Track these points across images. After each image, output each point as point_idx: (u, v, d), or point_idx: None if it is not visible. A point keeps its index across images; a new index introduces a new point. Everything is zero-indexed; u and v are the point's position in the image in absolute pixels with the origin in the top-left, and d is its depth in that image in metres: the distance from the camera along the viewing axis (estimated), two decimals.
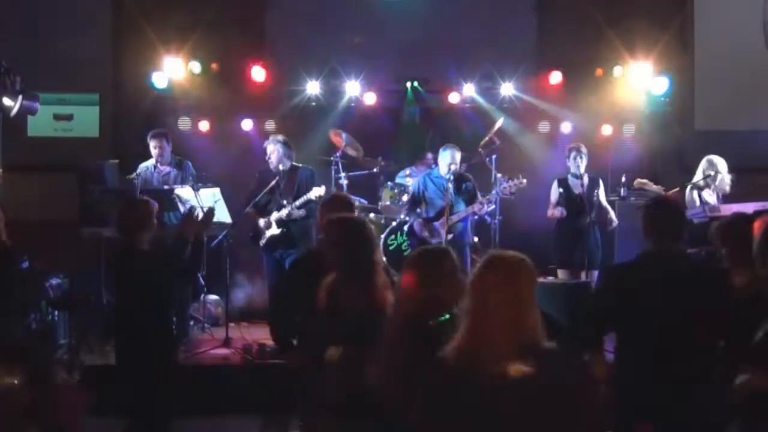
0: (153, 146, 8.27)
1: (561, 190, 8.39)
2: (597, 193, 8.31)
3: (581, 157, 8.32)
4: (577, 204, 8.31)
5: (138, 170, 8.20)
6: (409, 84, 9.99)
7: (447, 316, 3.51)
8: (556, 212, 8.34)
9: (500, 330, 2.81)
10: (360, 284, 4.00)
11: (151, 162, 8.32)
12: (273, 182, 7.96)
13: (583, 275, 8.10)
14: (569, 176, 8.42)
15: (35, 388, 2.54)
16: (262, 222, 7.96)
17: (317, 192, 7.72)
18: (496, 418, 2.79)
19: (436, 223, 8.17)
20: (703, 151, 8.21)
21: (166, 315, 5.38)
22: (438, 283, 3.50)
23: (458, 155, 8.17)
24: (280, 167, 7.97)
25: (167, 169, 8.31)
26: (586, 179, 8.32)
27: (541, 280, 7.74)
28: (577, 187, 8.37)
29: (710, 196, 7.90)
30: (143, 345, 5.15)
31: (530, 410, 2.76)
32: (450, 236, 8.01)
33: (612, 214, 8.48)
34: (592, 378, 2.97)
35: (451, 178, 8.07)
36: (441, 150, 8.29)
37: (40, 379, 2.58)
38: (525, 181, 8.15)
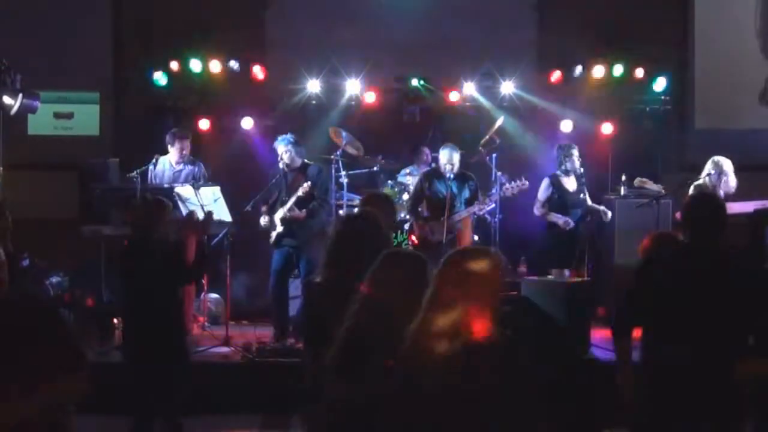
0: (178, 147, 8.32)
1: (553, 187, 8.38)
2: (583, 189, 8.33)
3: (575, 155, 8.32)
4: (570, 201, 8.33)
5: (151, 164, 8.20)
6: (414, 81, 9.97)
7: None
8: (560, 221, 8.31)
9: (443, 325, 2.93)
10: None
11: (167, 158, 8.37)
12: (274, 180, 7.96)
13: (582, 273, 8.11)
14: (560, 174, 8.42)
15: None
16: (262, 221, 7.97)
17: (304, 188, 7.71)
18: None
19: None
20: (703, 149, 8.24)
21: (179, 310, 5.48)
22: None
23: (456, 155, 8.13)
24: (286, 167, 7.97)
25: (180, 167, 8.35)
26: (575, 177, 8.36)
27: (540, 278, 7.76)
28: (569, 185, 8.39)
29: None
30: (157, 340, 5.19)
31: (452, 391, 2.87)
32: (450, 236, 7.99)
33: (602, 208, 8.49)
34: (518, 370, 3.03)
35: (451, 176, 8.06)
36: (441, 149, 8.30)
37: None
38: (527, 183, 8.15)
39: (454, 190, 8.13)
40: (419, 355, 2.94)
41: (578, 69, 9.88)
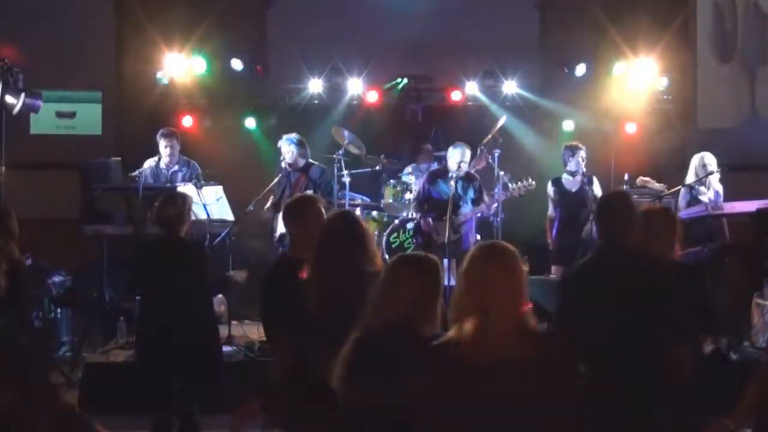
0: (164, 145, 8.22)
1: (555, 188, 8.36)
2: (591, 189, 8.31)
3: (579, 155, 8.28)
4: (574, 202, 8.32)
5: (143, 167, 8.18)
6: (402, 80, 9.98)
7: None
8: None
9: (504, 318, 2.88)
10: None
11: (154, 160, 8.30)
12: (276, 179, 7.96)
13: None
14: (564, 175, 8.40)
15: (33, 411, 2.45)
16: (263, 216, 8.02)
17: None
18: (496, 402, 2.85)
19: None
20: (705, 149, 8.20)
21: (206, 303, 5.50)
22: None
23: (468, 153, 8.10)
24: (289, 166, 7.96)
25: (175, 168, 8.30)
26: (579, 177, 8.31)
27: (543, 277, 7.75)
28: (572, 186, 8.36)
29: (705, 195, 7.90)
30: (181, 336, 5.18)
31: (529, 392, 2.83)
32: (456, 236, 7.97)
33: None
34: (572, 360, 2.97)
35: (454, 176, 8.04)
36: (451, 147, 8.22)
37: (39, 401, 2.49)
38: (534, 183, 8.15)
39: (459, 190, 8.12)
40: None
41: (580, 68, 9.88)
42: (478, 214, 8.24)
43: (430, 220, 8.17)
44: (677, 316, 3.90)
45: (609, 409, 3.70)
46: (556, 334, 3.02)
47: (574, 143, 8.47)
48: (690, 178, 7.99)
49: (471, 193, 8.17)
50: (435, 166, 9.10)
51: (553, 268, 8.21)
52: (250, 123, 9.97)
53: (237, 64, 9.81)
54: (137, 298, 7.19)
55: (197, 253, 5.52)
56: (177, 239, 5.38)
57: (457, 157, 8.06)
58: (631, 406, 3.80)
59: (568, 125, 10.00)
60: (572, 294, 4.11)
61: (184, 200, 5.50)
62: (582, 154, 8.28)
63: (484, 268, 2.94)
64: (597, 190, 8.35)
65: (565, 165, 8.34)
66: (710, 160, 7.97)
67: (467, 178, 8.19)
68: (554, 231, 8.38)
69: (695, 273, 4.62)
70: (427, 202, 8.30)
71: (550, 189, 8.36)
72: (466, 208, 8.12)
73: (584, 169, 8.28)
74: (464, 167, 8.08)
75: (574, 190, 8.33)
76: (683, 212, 7.80)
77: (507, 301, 2.90)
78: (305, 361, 3.85)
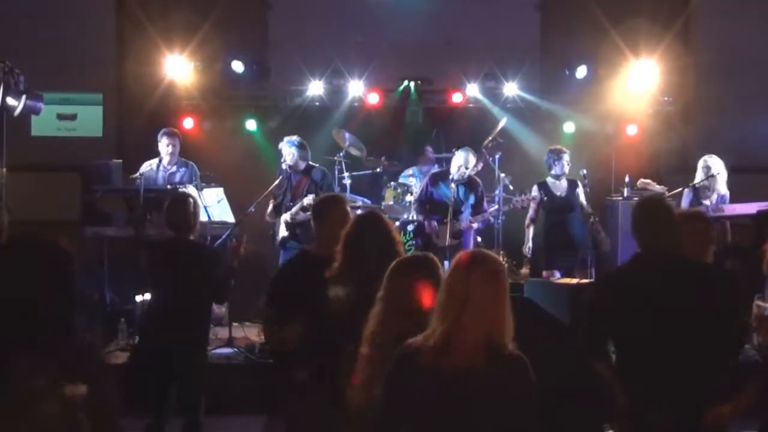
0: (165, 144, 8.22)
1: (542, 192, 8.32)
2: (577, 193, 8.30)
3: (564, 159, 8.26)
4: (561, 205, 8.30)
5: (141, 169, 8.18)
6: (411, 84, 9.99)
7: None
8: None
9: (476, 328, 2.87)
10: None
11: (155, 161, 8.30)
12: (277, 182, 7.95)
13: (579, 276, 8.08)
14: (549, 178, 8.38)
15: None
16: (268, 218, 8.02)
17: (308, 200, 7.67)
18: (452, 413, 2.87)
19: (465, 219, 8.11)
20: (706, 150, 8.21)
21: (208, 307, 5.53)
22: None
23: (472, 159, 8.07)
24: (290, 168, 7.96)
25: (173, 168, 8.30)
26: (564, 180, 8.30)
27: (543, 279, 7.74)
28: (558, 190, 8.34)
29: (708, 197, 7.90)
30: (186, 338, 5.19)
31: (484, 408, 2.86)
32: (456, 241, 7.95)
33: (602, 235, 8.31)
34: (534, 386, 2.96)
35: (454, 178, 8.03)
36: (457, 151, 8.20)
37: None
38: (538, 196, 8.16)
39: (460, 195, 8.11)
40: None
41: (581, 70, 9.88)
42: (478, 225, 8.20)
43: (435, 223, 8.16)
44: (727, 322, 3.85)
45: (645, 410, 3.70)
46: (522, 356, 2.95)
47: (558, 147, 8.46)
48: (696, 180, 8.00)
49: (471, 199, 8.16)
50: (436, 168, 9.10)
51: (544, 273, 8.18)
52: (251, 125, 9.97)
53: (238, 66, 9.81)
54: (138, 299, 7.24)
55: (206, 257, 5.49)
56: (186, 241, 5.38)
57: (459, 161, 8.05)
58: (670, 408, 3.73)
59: (568, 127, 10.00)
60: (608, 300, 4.00)
61: (195, 202, 5.48)
62: (567, 157, 8.28)
63: (467, 277, 2.92)
64: (582, 195, 8.35)
65: (550, 168, 8.34)
66: (713, 162, 7.96)
67: (469, 184, 8.17)
68: (540, 235, 8.38)
69: (734, 279, 4.57)
70: (429, 203, 8.29)
71: (536, 192, 8.31)
72: (466, 213, 8.11)
73: (562, 172, 8.27)
74: (465, 171, 8.06)
75: (560, 194, 8.33)
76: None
77: (483, 312, 2.88)
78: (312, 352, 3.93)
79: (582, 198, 8.31)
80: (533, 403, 2.93)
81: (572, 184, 8.34)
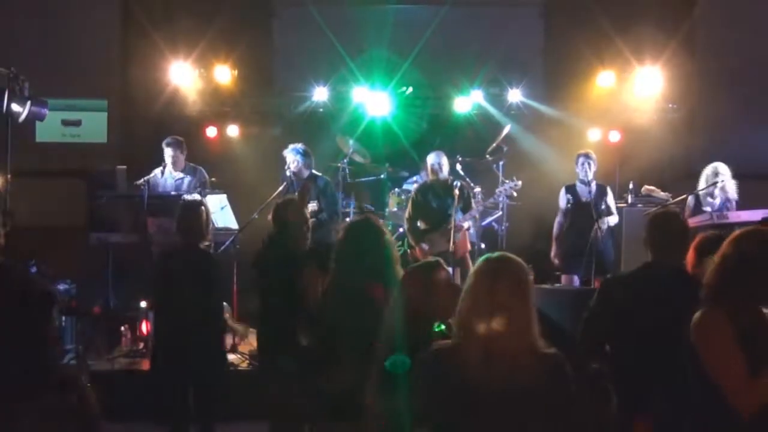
0: (168, 154, 8.23)
1: (569, 196, 8.32)
2: (605, 200, 8.25)
3: (590, 164, 8.21)
4: (585, 211, 8.26)
5: (147, 176, 8.17)
6: (416, 90, 10.00)
7: (442, 326, 3.47)
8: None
9: (516, 342, 2.80)
10: None
11: (161, 168, 8.31)
12: (280, 189, 7.95)
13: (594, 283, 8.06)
14: (577, 183, 8.36)
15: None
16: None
17: (312, 207, 7.65)
18: (495, 419, 2.80)
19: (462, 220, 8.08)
20: (711, 157, 8.19)
21: (220, 312, 5.52)
22: (429, 294, 3.45)
23: (444, 159, 8.08)
24: (293, 176, 7.95)
25: (181, 175, 8.30)
26: (594, 186, 8.26)
27: (547, 286, 7.73)
28: (584, 194, 8.30)
29: (711, 203, 7.88)
30: (202, 346, 5.21)
31: (527, 412, 2.79)
32: (452, 246, 7.91)
33: (612, 219, 8.33)
34: (573, 380, 2.90)
35: (417, 179, 8.01)
36: (427, 156, 8.23)
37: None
38: (519, 183, 8.21)
39: (443, 198, 8.06)
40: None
41: (585, 76, 9.87)
42: (468, 225, 8.15)
43: (425, 245, 8.07)
44: None
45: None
46: (559, 353, 2.90)
47: (586, 151, 8.39)
48: (699, 186, 7.99)
49: (450, 201, 8.02)
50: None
51: (564, 278, 8.15)
52: (255, 131, 9.98)
53: (242, 73, 9.83)
54: (143, 305, 7.25)
55: (215, 265, 5.48)
56: (196, 250, 5.37)
57: (431, 160, 8.07)
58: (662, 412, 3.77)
59: (572, 133, 9.99)
60: (609, 303, 4.05)
61: (207, 210, 5.48)
62: (590, 162, 8.22)
63: (493, 285, 2.82)
64: (611, 202, 8.29)
65: (580, 173, 8.28)
66: (722, 170, 7.93)
67: (445, 185, 8.11)
68: (562, 238, 8.35)
69: None
70: (419, 217, 8.19)
71: (564, 196, 8.31)
72: (457, 215, 8.00)
73: (591, 177, 8.23)
74: (440, 169, 8.03)
75: (585, 199, 8.26)
76: (688, 221, 7.78)
77: (518, 324, 2.80)
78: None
79: (611, 204, 8.27)
80: (573, 400, 2.89)
81: (600, 190, 8.30)
